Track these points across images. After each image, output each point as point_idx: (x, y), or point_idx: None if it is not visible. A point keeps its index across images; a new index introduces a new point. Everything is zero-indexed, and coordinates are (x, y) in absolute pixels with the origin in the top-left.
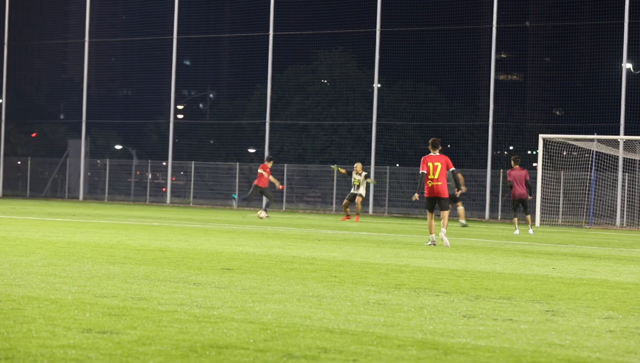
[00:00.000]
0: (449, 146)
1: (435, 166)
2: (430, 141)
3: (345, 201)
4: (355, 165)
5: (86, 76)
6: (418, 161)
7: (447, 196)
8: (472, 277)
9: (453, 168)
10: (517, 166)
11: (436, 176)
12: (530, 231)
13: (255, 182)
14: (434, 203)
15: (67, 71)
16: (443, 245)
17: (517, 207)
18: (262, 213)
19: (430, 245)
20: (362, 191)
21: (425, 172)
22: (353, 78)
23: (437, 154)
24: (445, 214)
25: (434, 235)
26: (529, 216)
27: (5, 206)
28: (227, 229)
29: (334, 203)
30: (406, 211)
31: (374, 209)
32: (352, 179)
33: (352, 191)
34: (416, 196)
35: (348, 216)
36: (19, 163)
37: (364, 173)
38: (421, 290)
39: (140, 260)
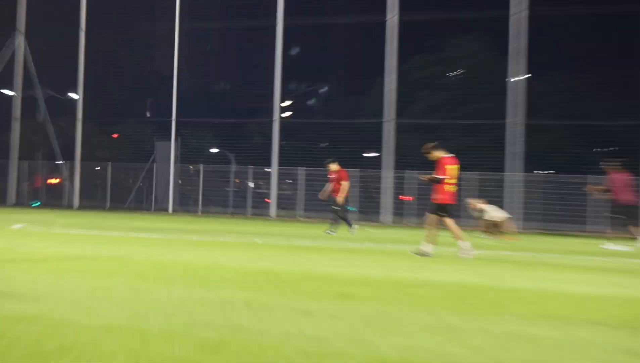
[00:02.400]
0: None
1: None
2: None
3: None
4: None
5: (177, 67)
6: (573, 166)
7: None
8: (627, 304)
9: None
10: (616, 170)
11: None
12: (621, 247)
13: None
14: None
15: (155, 63)
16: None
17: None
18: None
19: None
20: None
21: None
22: (492, 69)
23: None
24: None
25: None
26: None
27: (82, 220)
28: (342, 247)
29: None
30: (554, 226)
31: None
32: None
33: None
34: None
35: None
36: (98, 169)
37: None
38: (571, 320)
39: (239, 284)
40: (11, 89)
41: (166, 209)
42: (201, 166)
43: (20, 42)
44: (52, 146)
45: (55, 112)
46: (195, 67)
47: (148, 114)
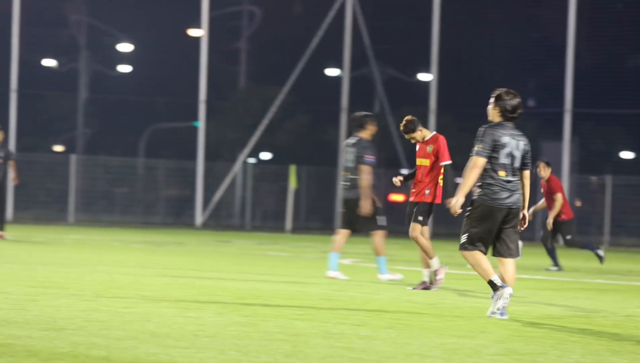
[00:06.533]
0: None
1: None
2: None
3: None
4: None
5: (574, 35)
6: None
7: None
8: None
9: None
10: None
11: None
12: None
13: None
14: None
15: (541, 28)
16: None
17: None
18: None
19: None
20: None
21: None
22: None
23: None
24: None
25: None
26: None
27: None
28: None
29: None
30: None
31: None
32: None
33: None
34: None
35: None
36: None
37: None
38: None
39: None
40: (336, 66)
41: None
42: (608, 178)
43: (348, 3)
44: (394, 148)
45: (398, 101)
46: (601, 34)
47: (531, 103)
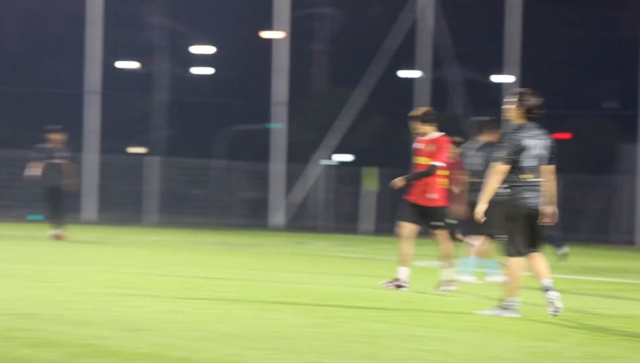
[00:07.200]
0: None
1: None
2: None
3: None
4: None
5: None
6: None
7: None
8: None
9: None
10: None
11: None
12: None
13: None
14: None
15: (621, 29)
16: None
17: None
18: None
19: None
20: None
21: None
22: None
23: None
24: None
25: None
26: None
27: None
28: None
29: None
30: None
31: None
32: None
33: None
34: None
35: None
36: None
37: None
38: None
39: None
40: (412, 68)
41: (631, 242)
42: None
43: (425, 5)
44: None
45: (474, 103)
46: None
47: (609, 105)
